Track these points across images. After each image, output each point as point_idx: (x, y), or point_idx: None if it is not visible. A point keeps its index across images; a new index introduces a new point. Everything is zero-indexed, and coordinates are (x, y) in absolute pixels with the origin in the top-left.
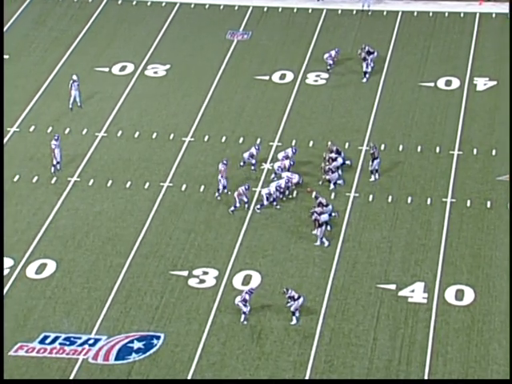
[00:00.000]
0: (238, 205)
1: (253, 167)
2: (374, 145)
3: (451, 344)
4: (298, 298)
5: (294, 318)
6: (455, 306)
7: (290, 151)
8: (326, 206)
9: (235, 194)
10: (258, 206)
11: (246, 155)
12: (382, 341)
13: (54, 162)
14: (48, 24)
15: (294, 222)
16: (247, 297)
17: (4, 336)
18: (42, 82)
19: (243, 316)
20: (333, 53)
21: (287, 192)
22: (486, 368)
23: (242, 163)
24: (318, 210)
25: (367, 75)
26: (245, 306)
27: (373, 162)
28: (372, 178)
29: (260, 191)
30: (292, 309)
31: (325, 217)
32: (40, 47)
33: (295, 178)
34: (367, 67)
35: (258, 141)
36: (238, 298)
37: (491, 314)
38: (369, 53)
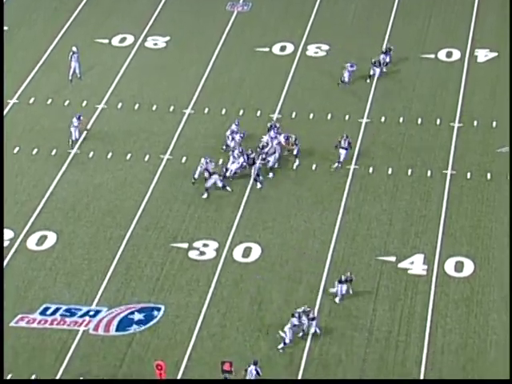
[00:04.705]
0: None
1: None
2: (346, 135)
3: (450, 315)
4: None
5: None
6: (455, 278)
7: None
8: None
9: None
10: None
11: (228, 133)
12: (382, 312)
13: (73, 138)
14: None
15: (294, 194)
16: (296, 321)
17: (5, 307)
18: (41, 54)
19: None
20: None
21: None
22: (485, 339)
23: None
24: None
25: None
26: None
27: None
28: (335, 165)
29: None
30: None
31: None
32: (40, 19)
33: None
34: (381, 70)
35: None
36: (290, 323)
37: (490, 285)
38: (389, 49)
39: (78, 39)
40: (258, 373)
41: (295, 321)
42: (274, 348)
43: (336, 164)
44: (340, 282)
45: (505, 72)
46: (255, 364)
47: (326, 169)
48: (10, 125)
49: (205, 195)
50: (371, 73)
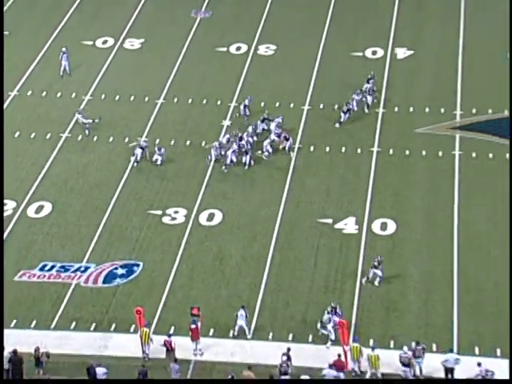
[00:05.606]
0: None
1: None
2: (349, 102)
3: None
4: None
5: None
6: (380, 235)
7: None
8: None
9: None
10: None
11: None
12: (321, 265)
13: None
14: (40, 4)
15: (249, 170)
16: (335, 318)
17: (9, 265)
18: (36, 54)
19: (330, 342)
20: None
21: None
22: (403, 284)
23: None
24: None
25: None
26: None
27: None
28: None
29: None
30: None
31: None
32: (35, 24)
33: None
34: (372, 98)
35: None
36: (326, 320)
37: (409, 241)
38: (372, 78)
39: (67, 41)
40: (246, 315)
41: (335, 317)
42: (234, 295)
43: (337, 124)
44: (374, 267)
45: (420, 67)
46: (243, 308)
47: (275, 148)
48: (12, 113)
49: (134, 164)
50: (366, 100)
